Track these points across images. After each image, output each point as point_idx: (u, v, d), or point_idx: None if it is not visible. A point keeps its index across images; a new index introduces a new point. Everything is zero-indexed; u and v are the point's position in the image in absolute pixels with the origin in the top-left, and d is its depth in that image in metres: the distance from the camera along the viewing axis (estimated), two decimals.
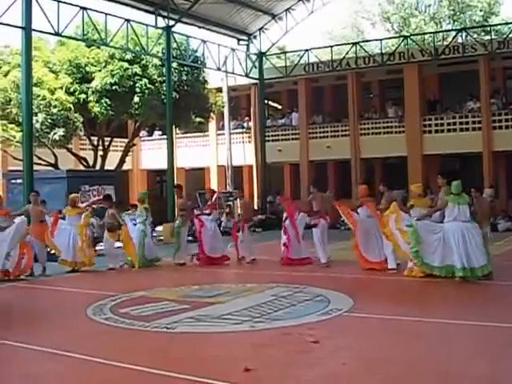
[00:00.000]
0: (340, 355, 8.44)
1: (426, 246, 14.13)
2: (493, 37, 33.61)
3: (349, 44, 36.06)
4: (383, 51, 34.50)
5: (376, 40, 38.24)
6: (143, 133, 38.97)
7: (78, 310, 11.67)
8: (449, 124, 32.21)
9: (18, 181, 22.52)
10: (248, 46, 35.54)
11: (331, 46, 36.23)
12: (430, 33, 40.66)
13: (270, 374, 7.69)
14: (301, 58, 35.80)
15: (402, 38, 35.60)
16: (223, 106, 35.68)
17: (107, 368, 7.94)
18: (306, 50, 35.33)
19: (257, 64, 35.29)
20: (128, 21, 27.08)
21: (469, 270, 13.71)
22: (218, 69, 32.40)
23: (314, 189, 17.92)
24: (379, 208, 16.26)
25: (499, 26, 41.33)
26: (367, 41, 41.15)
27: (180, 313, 11.13)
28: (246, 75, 34.75)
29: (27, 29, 21.51)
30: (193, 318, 10.72)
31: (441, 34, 41.88)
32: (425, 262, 14.12)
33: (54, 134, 27.35)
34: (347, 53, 34.15)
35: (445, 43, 34.63)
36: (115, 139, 33.19)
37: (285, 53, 38.81)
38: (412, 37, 36.04)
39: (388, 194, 16.79)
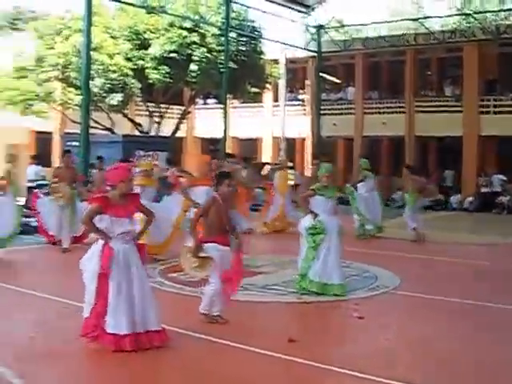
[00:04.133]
0: (384, 331, 8.54)
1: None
2: None
3: (409, 20, 35.58)
4: (444, 28, 33.95)
5: (437, 17, 37.59)
6: (198, 101, 39.13)
7: None
8: (509, 105, 31.70)
9: (74, 143, 22.78)
10: (307, 18, 35.32)
11: (390, 22, 35.79)
12: (493, 11, 39.74)
13: (312, 345, 7.81)
14: (359, 32, 35.48)
15: (463, 16, 35.01)
16: (279, 78, 35.65)
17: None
18: (365, 25, 34.99)
19: (315, 37, 35.06)
20: None
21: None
22: (276, 40, 32.31)
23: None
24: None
25: None
26: (428, 17, 40.42)
27: None
28: (304, 48, 34.60)
29: None
30: (240, 286, 10.85)
31: (503, 12, 41.07)
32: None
33: (112, 98, 27.71)
34: (407, 29, 33.76)
35: (507, 22, 33.92)
36: (171, 106, 33.40)
37: (343, 26, 38.41)
38: (474, 15, 35.41)
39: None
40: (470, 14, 34.48)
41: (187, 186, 13.52)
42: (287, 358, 7.20)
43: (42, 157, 26.20)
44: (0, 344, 7.71)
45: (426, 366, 7.21)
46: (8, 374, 6.55)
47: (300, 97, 38.75)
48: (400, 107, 34.52)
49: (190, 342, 7.82)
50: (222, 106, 28.84)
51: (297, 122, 37.20)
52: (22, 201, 16.61)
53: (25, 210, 15.97)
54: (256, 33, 31.11)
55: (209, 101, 40.10)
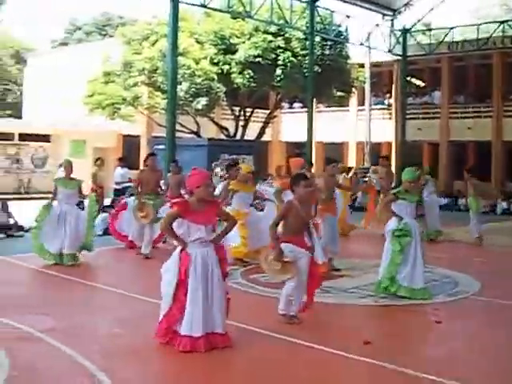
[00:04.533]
0: (461, 336, 8.52)
1: None
2: None
3: (496, 22, 35.04)
4: None
5: None
6: (284, 105, 39.26)
7: None
8: None
9: (161, 146, 23.16)
10: (392, 21, 35.12)
11: (478, 25, 35.34)
12: None
13: (388, 348, 7.84)
14: (446, 35, 35.09)
15: None
16: (364, 82, 35.57)
17: (235, 328, 8.05)
18: (452, 28, 34.63)
19: (400, 40, 34.85)
20: None
21: None
22: (361, 44, 32.26)
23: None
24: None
25: None
26: None
27: None
28: (389, 51, 34.43)
29: (175, 0, 22.09)
30: (320, 288, 10.89)
31: None
32: None
33: (197, 102, 28.13)
34: (494, 31, 33.22)
35: None
36: (256, 110, 33.66)
37: (429, 30, 38.14)
38: None
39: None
40: None
41: (280, 189, 13.52)
42: (362, 360, 7.24)
43: (129, 159, 26.73)
44: (86, 338, 7.97)
45: (499, 373, 7.18)
46: (92, 368, 6.79)
47: (385, 101, 38.56)
48: (487, 112, 33.99)
49: (267, 342, 7.93)
50: (307, 110, 28.95)
51: (382, 126, 37.02)
52: (107, 202, 16.97)
53: (109, 211, 16.35)
54: (341, 37, 31.08)
55: (295, 105, 40.27)
